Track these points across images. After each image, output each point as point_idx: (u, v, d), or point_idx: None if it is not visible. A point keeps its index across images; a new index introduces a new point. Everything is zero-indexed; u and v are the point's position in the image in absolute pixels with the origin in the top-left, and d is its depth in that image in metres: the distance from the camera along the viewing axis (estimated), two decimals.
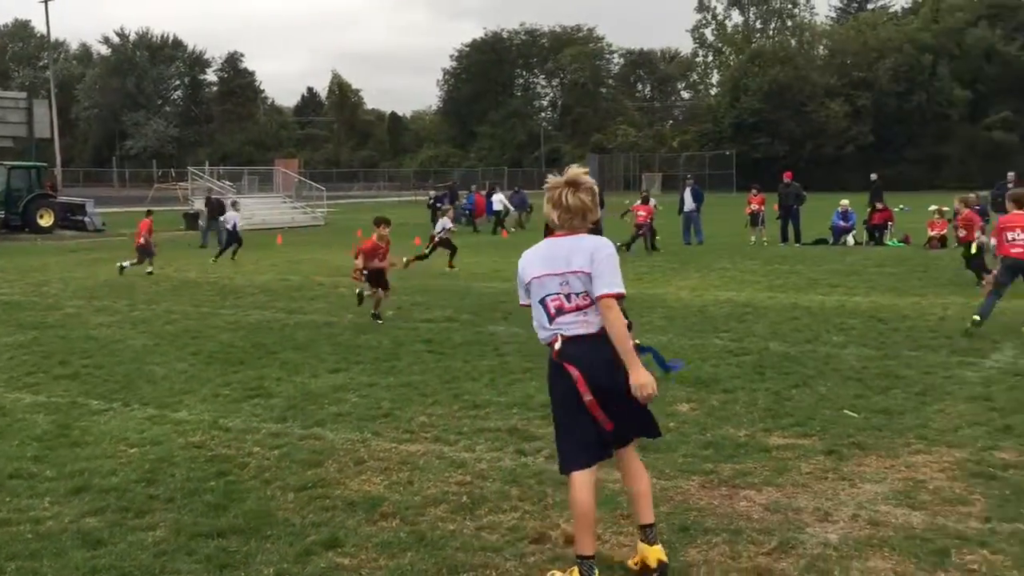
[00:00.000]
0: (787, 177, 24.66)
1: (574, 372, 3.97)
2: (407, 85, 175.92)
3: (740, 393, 7.50)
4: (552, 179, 4.19)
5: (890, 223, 23.77)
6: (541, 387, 7.77)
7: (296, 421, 6.86)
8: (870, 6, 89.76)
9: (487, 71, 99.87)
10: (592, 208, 4.11)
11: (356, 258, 11.86)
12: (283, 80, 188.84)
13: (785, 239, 23.69)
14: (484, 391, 7.74)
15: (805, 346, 9.55)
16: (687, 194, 24.90)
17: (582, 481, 4.03)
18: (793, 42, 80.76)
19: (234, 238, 21.13)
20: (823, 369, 8.37)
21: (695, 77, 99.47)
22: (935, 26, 72.92)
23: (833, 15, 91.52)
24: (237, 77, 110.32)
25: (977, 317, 9.97)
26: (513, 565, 4.28)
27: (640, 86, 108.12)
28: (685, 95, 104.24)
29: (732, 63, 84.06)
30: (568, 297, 4.04)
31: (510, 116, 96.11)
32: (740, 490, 5.24)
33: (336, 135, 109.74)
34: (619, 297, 3.97)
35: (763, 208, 24.69)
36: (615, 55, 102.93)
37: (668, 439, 6.20)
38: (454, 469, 5.67)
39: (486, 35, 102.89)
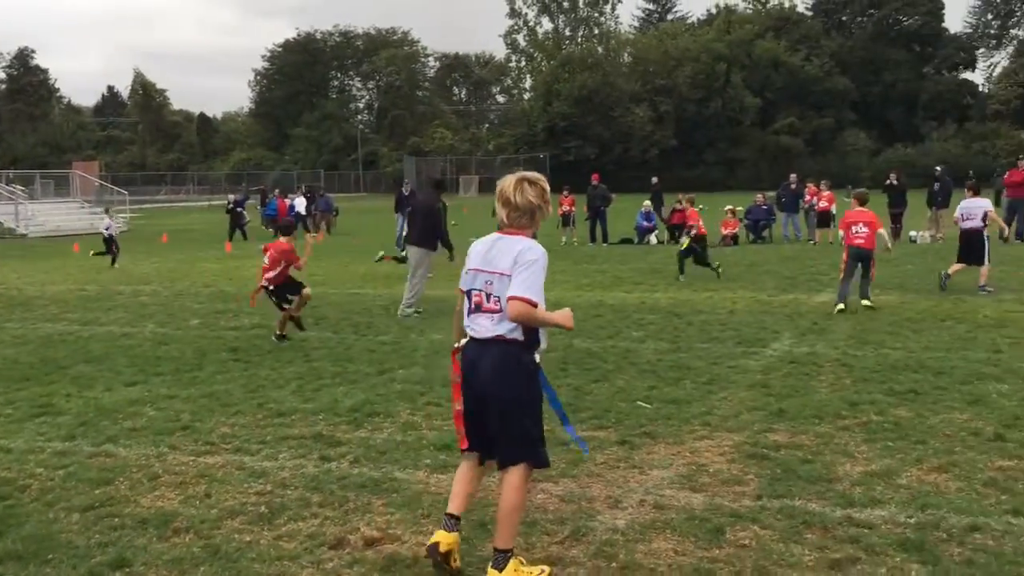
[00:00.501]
0: (595, 179, 25.56)
1: (456, 377, 4.13)
2: (217, 86, 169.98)
3: None
4: (505, 177, 4.14)
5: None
6: (349, 391, 7.77)
7: (86, 438, 6.52)
8: (670, 16, 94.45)
9: (301, 72, 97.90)
10: (541, 208, 4.09)
11: (269, 271, 10.30)
12: (81, 78, 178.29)
13: (593, 239, 24.55)
14: (290, 398, 7.63)
15: (607, 342, 9.96)
16: None
17: (462, 463, 4.33)
18: (600, 49, 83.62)
19: (111, 244, 21.10)
20: (622, 363, 8.77)
21: (509, 81, 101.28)
22: (728, 37, 77.51)
23: (636, 24, 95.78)
24: (27, 74, 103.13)
25: (841, 305, 11.41)
26: (310, 572, 4.26)
27: (456, 90, 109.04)
28: (500, 99, 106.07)
29: (544, 68, 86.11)
30: (488, 297, 4.04)
31: (325, 118, 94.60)
32: (538, 483, 5.41)
33: (141, 137, 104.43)
34: (529, 303, 3.87)
35: (574, 209, 25.52)
36: (431, 58, 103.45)
37: None
38: (254, 479, 5.57)
39: (299, 35, 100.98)
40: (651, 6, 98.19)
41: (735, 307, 12.30)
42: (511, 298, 3.89)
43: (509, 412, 4.03)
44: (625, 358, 9.01)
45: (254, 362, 9.18)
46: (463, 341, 4.16)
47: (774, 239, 24.06)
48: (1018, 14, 76.72)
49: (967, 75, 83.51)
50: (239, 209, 29.38)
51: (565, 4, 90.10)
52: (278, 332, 10.34)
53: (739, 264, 18.03)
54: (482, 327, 4.04)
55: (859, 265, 11.71)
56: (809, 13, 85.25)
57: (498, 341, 4.01)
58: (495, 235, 4.15)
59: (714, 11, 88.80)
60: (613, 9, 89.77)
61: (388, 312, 12.46)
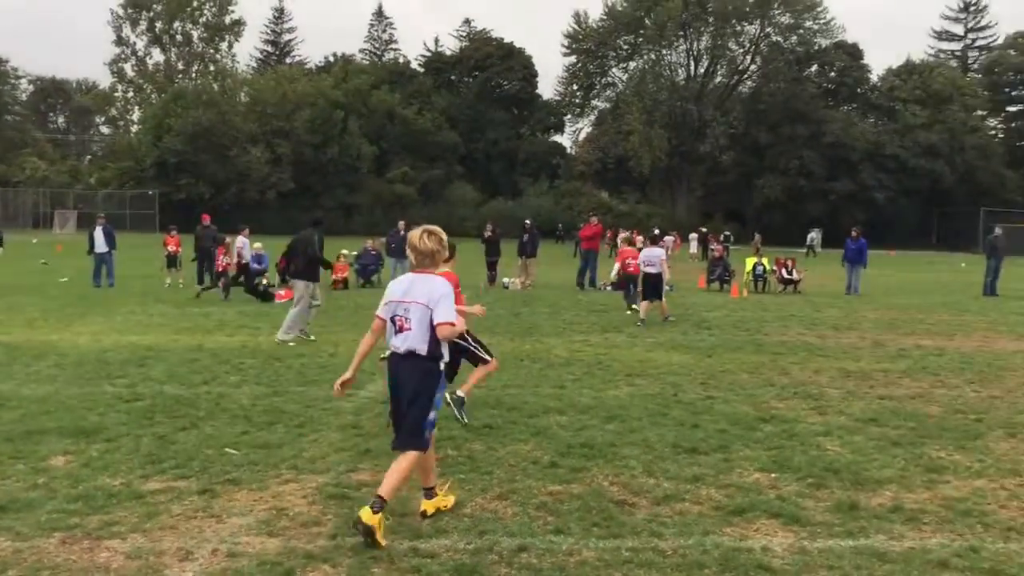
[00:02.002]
0: (205, 219, 24.70)
1: (388, 379, 5.55)
2: None
3: (124, 440, 7.33)
4: (412, 230, 5.60)
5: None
6: None
7: None
8: (288, 60, 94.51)
9: None
10: (439, 251, 5.53)
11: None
12: None
13: (201, 281, 23.62)
14: None
15: (201, 388, 9.65)
16: (98, 234, 23.59)
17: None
18: (216, 86, 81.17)
19: None
20: (214, 409, 8.55)
21: (115, 112, 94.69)
22: (345, 85, 79.12)
23: (254, 65, 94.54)
24: None
25: (634, 307, 17.15)
26: None
27: (53, 116, 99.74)
28: (105, 130, 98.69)
29: (154, 101, 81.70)
30: (406, 320, 5.40)
31: None
32: (103, 541, 5.13)
33: None
34: (451, 324, 5.38)
35: (180, 249, 24.44)
36: (23, 80, 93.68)
37: (33, 496, 5.85)
38: None
39: None
40: (269, 48, 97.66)
41: (337, 350, 12.52)
42: (439, 324, 5.33)
43: (412, 403, 5.39)
44: (218, 404, 8.80)
45: None
46: (388, 352, 5.50)
47: (383, 284, 24.82)
48: (597, 87, 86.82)
49: (557, 138, 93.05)
50: None
51: (178, 37, 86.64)
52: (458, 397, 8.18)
53: (346, 308, 18.39)
54: (401, 344, 5.39)
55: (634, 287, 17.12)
56: (421, 70, 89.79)
57: (411, 355, 5.39)
58: (411, 275, 5.58)
59: (331, 59, 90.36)
60: (230, 47, 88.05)
61: None
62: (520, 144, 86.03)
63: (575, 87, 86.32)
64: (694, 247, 46.92)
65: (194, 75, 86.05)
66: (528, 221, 26.89)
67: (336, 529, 5.35)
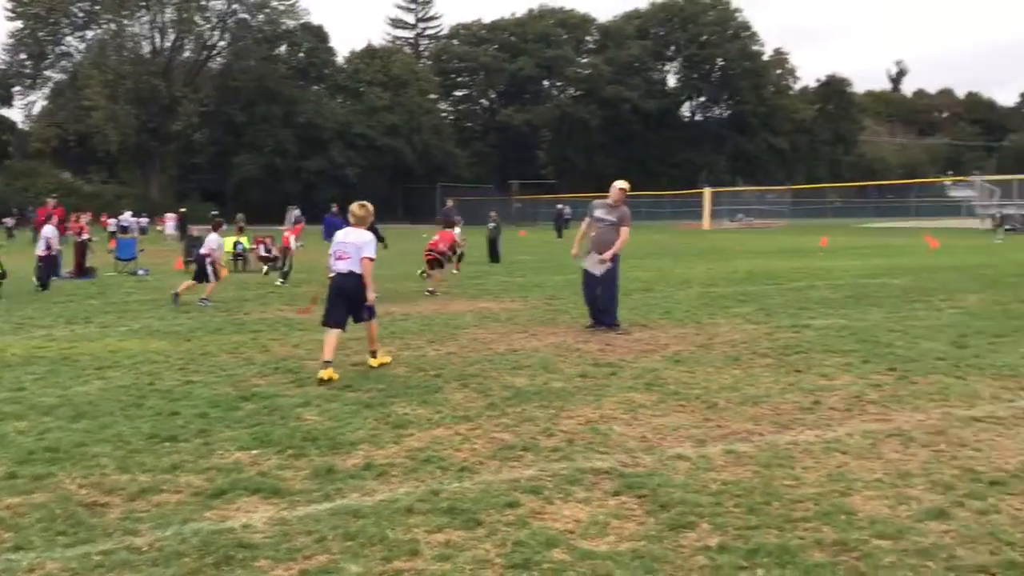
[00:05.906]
0: None
1: (334, 287, 9.53)
2: None
3: None
4: (354, 203, 9.83)
5: None
6: None
7: None
8: None
9: None
10: (368, 216, 9.69)
11: None
12: None
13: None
14: None
15: None
16: None
17: (330, 333, 9.45)
18: None
19: None
20: None
21: None
22: None
23: None
24: None
25: None
26: None
27: None
28: None
29: None
30: (344, 254, 9.42)
31: None
32: None
33: None
34: (371, 259, 9.46)
35: None
36: None
37: None
38: None
39: None
40: None
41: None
42: (364, 258, 9.34)
43: (362, 302, 9.46)
44: None
45: None
46: (332, 274, 9.55)
47: None
48: (51, 56, 78.54)
49: (5, 112, 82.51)
50: None
51: None
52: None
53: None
54: (341, 267, 9.42)
55: None
56: None
57: (351, 274, 9.39)
58: (348, 228, 9.64)
59: None
60: None
61: None
62: None
63: (23, 56, 77.20)
64: (171, 228, 45.19)
65: None
66: None
67: None
